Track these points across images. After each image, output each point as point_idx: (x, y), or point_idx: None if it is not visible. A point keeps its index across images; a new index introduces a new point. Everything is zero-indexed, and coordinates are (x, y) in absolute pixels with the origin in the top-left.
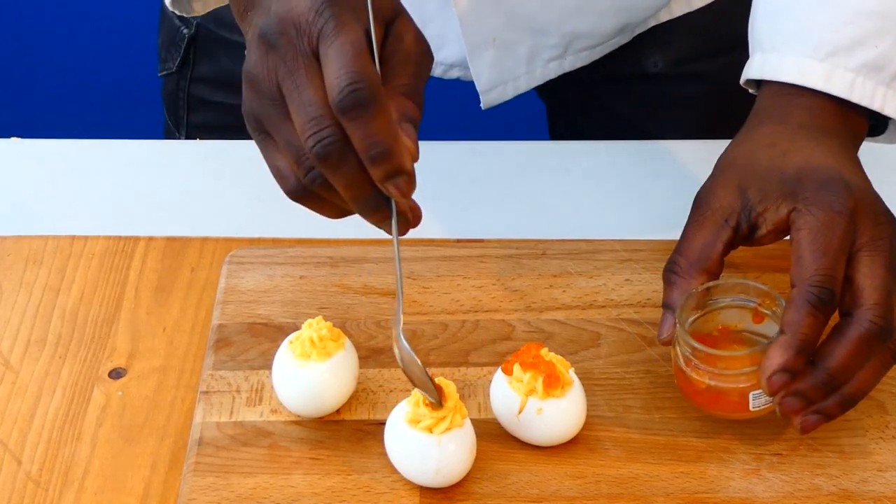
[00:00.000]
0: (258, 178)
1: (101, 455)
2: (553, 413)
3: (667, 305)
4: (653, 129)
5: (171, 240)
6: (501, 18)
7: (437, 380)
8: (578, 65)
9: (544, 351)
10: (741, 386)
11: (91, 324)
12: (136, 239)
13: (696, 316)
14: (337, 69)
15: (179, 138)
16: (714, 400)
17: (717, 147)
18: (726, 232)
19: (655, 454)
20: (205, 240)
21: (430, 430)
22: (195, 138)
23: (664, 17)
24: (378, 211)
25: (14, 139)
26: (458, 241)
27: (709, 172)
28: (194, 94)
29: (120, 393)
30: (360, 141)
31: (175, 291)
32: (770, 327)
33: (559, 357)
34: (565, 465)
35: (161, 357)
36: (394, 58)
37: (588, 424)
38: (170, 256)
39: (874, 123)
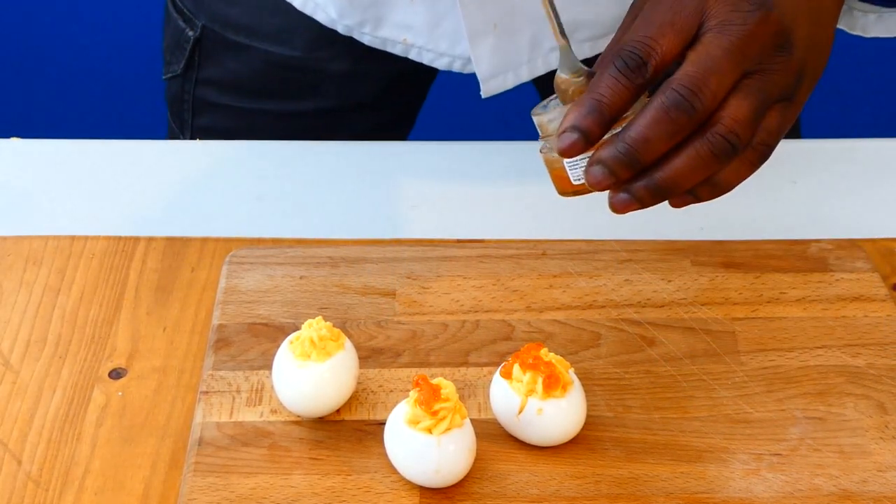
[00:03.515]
0: (258, 178)
1: (101, 455)
2: (553, 413)
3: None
4: None
5: (171, 240)
6: (503, 5)
7: (436, 380)
8: (581, 56)
9: (544, 351)
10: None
11: (91, 324)
12: (136, 239)
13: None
14: None
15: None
16: (553, 175)
17: None
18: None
19: (655, 454)
20: (205, 240)
21: (429, 430)
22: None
23: None
24: None
25: (14, 139)
26: (458, 241)
27: None
28: (199, 97)
29: (120, 393)
30: None
31: (175, 291)
32: None
33: (559, 357)
34: (565, 465)
35: (161, 357)
36: None
37: (588, 424)
38: (170, 256)
39: None
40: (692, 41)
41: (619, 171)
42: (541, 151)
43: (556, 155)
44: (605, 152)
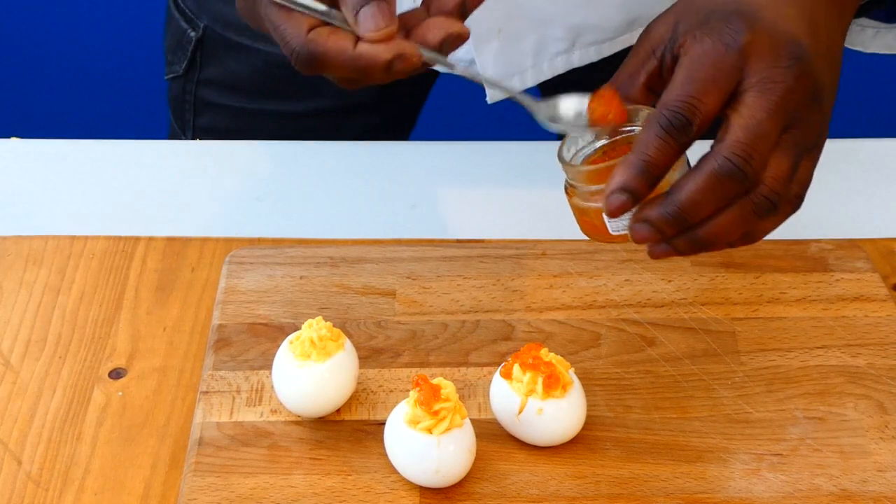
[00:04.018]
0: (258, 178)
1: (101, 455)
2: (553, 413)
3: None
4: None
5: (171, 240)
6: (505, 8)
7: (436, 380)
8: (587, 60)
9: (544, 351)
10: (596, 206)
11: (91, 324)
12: (136, 239)
13: (607, 141)
14: None
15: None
16: (582, 219)
17: None
18: (651, 63)
19: (655, 454)
20: (205, 240)
21: (429, 430)
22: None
23: None
24: (425, 67)
25: (14, 139)
26: (458, 241)
27: None
28: (201, 98)
29: (120, 393)
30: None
31: (175, 291)
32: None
33: (559, 357)
34: (565, 465)
35: (161, 357)
36: None
37: (588, 424)
38: (170, 256)
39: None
40: (732, 97)
41: (667, 230)
42: (568, 194)
43: (591, 204)
44: (654, 213)
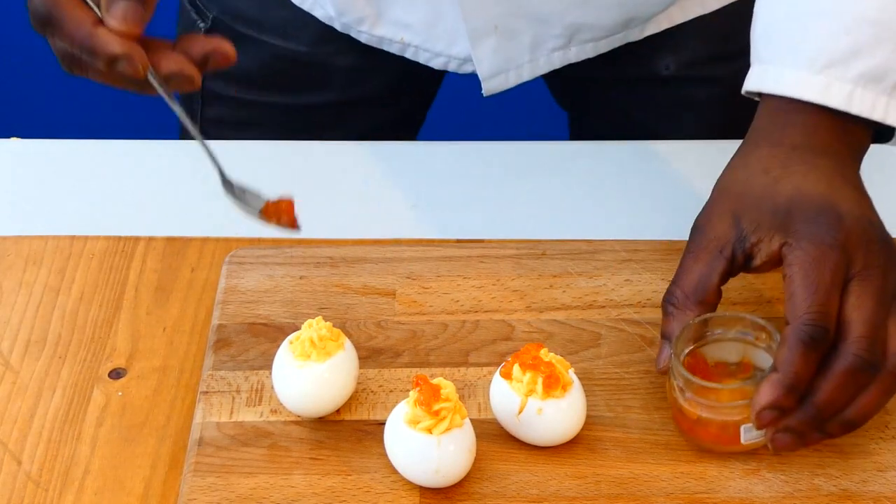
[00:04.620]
0: (259, 178)
1: (101, 455)
2: (553, 413)
3: (664, 336)
4: (663, 133)
5: (171, 240)
6: (502, 6)
7: (436, 380)
8: (583, 56)
9: (544, 351)
10: (732, 419)
11: (91, 324)
12: (136, 239)
13: (692, 347)
14: None
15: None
16: (706, 432)
17: (717, 147)
18: (721, 263)
19: (655, 454)
20: (205, 240)
21: (429, 430)
22: (210, 133)
23: (678, 18)
24: (144, 88)
25: (14, 139)
26: (458, 241)
27: (710, 173)
28: (209, 89)
29: (120, 393)
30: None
31: (175, 291)
32: (764, 359)
33: (559, 357)
34: (565, 465)
35: (161, 357)
36: None
37: (588, 424)
38: (170, 256)
39: (880, 130)
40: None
41: (805, 431)
42: (685, 405)
43: (721, 418)
44: (796, 421)
